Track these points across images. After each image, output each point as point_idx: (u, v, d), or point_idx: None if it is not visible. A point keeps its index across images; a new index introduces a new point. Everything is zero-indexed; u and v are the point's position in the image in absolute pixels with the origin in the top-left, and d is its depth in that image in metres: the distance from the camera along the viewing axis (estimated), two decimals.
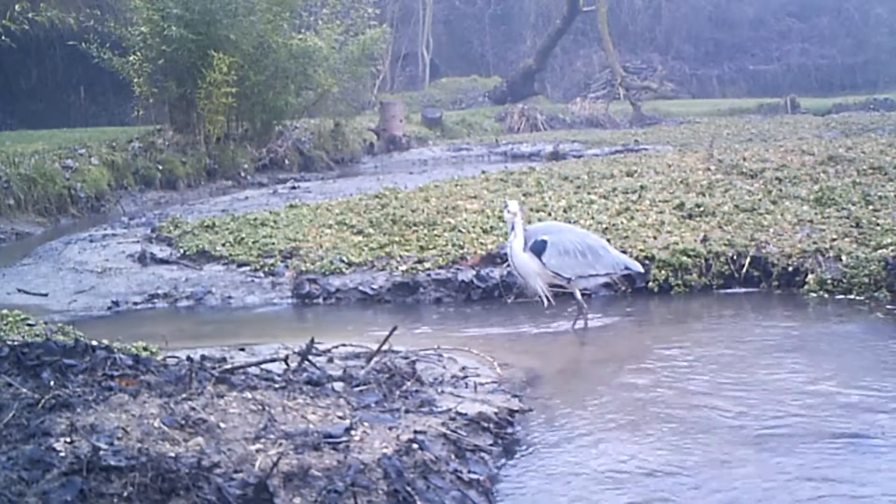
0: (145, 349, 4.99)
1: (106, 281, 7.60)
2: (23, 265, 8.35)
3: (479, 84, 34.80)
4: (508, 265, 6.29)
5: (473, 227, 7.99)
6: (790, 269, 6.76)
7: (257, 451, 3.14)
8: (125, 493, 2.79)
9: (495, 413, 4.06)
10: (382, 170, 19.00)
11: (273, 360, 4.44)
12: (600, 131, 25.38)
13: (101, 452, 2.89)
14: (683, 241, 7.09)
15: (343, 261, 7.39)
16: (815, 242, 6.92)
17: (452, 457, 3.51)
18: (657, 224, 7.64)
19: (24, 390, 3.42)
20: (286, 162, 18.48)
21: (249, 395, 3.64)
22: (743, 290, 6.83)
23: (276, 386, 3.89)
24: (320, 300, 7.06)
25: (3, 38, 10.97)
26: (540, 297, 5.96)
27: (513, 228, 5.84)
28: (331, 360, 4.73)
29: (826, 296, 6.48)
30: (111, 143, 15.32)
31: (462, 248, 7.41)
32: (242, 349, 5.09)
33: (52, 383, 3.53)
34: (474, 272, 7.02)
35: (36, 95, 23.54)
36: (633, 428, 4.13)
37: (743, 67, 41.12)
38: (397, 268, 7.20)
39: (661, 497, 3.41)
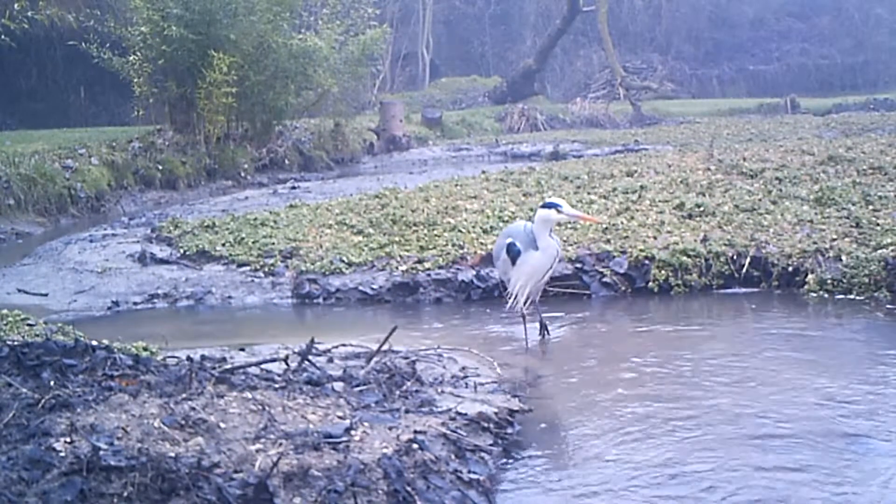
0: (145, 349, 4.99)
1: (106, 281, 7.60)
2: (23, 265, 8.35)
3: (479, 84, 34.81)
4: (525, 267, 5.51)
5: (473, 227, 7.99)
6: (790, 269, 6.76)
7: (257, 451, 3.14)
8: (125, 493, 2.79)
9: (495, 413, 4.06)
10: (382, 170, 19.00)
11: (273, 360, 4.44)
12: (600, 131, 25.38)
13: (101, 452, 2.89)
14: (683, 241, 7.09)
15: (343, 261, 7.39)
16: (815, 242, 6.92)
17: (452, 457, 3.51)
18: (657, 224, 7.64)
19: (24, 390, 3.42)
20: (286, 162, 18.48)
21: (249, 395, 3.64)
22: (743, 290, 6.83)
23: (276, 386, 3.89)
24: (320, 300, 7.06)
25: (2, 37, 10.96)
26: (526, 300, 5.61)
27: (551, 230, 5.43)
28: (331, 360, 4.73)
29: (826, 296, 6.48)
30: (111, 143, 15.32)
31: (462, 248, 7.41)
32: (242, 349, 5.09)
33: (52, 383, 3.53)
34: (474, 272, 7.02)
35: (36, 95, 23.53)
36: (632, 428, 4.13)
37: (743, 67, 41.13)
38: (397, 268, 7.19)
39: (662, 496, 3.41)
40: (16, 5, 11.04)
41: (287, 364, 4.32)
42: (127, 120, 20.42)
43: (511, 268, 5.49)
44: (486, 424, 3.93)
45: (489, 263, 7.11)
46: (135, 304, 7.13)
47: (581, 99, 31.49)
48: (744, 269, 6.86)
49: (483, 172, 11.48)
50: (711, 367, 5.03)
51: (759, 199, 8.17)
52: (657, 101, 32.57)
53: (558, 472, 3.71)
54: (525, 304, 5.57)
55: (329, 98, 19.81)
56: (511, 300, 5.55)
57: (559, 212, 5.30)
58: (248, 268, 7.64)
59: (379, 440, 3.38)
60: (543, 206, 5.38)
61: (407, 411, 3.81)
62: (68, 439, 3.01)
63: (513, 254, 5.46)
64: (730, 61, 41.49)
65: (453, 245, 7.50)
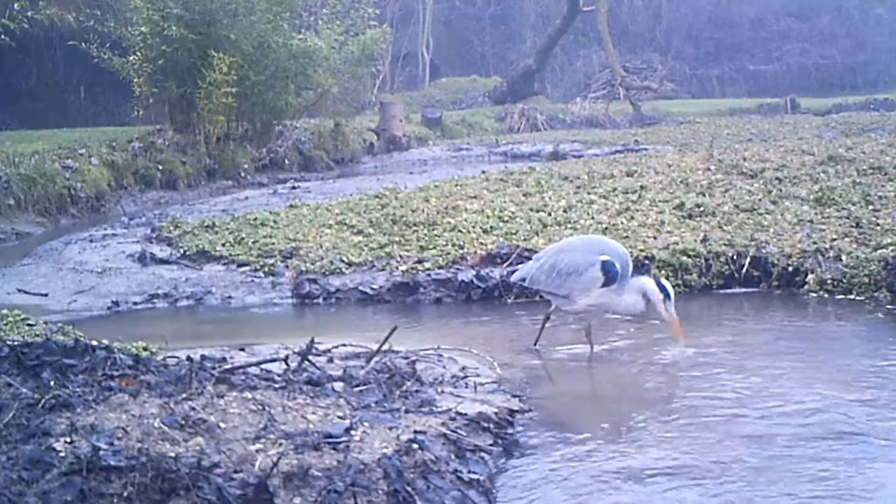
0: (145, 349, 4.99)
1: (106, 281, 7.60)
2: (23, 265, 8.35)
3: (479, 84, 34.83)
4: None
5: (473, 227, 7.98)
6: (790, 269, 6.76)
7: (257, 451, 3.14)
8: (125, 493, 2.79)
9: (495, 413, 4.06)
10: (382, 170, 19.00)
11: (273, 360, 4.44)
12: (600, 131, 25.38)
13: (101, 452, 2.89)
14: (683, 241, 7.09)
15: (343, 261, 7.39)
16: (815, 242, 6.92)
17: (452, 457, 3.51)
18: (657, 224, 7.64)
19: (24, 390, 3.42)
20: (286, 162, 18.49)
21: (249, 395, 3.64)
22: (743, 290, 6.83)
23: (276, 386, 3.89)
24: (320, 300, 7.06)
25: (2, 37, 10.96)
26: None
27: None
28: (331, 360, 4.73)
29: (826, 296, 6.48)
30: (111, 143, 15.32)
31: (462, 248, 7.41)
32: (242, 349, 5.09)
33: (52, 383, 3.53)
34: (474, 272, 7.02)
35: (36, 95, 23.53)
36: (632, 428, 4.13)
37: (743, 67, 41.17)
38: (397, 268, 7.19)
39: (661, 497, 3.41)
40: (16, 5, 11.03)
41: (287, 364, 4.32)
42: (127, 120, 20.42)
43: (595, 288, 4.98)
44: (486, 424, 3.93)
45: (489, 263, 7.11)
46: (135, 304, 7.13)
47: (581, 99, 31.51)
48: (744, 269, 6.85)
49: (483, 172, 11.48)
50: (711, 367, 5.03)
51: (759, 199, 8.17)
52: (657, 101, 32.59)
53: (558, 472, 3.71)
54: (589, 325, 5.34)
55: (329, 98, 19.82)
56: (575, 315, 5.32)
57: (664, 300, 4.93)
58: (248, 268, 7.64)
59: (379, 440, 3.38)
60: (656, 284, 4.99)
61: (407, 411, 3.81)
62: (68, 439, 3.01)
63: (611, 274, 4.91)
64: (730, 61, 41.53)
65: (453, 245, 7.50)
